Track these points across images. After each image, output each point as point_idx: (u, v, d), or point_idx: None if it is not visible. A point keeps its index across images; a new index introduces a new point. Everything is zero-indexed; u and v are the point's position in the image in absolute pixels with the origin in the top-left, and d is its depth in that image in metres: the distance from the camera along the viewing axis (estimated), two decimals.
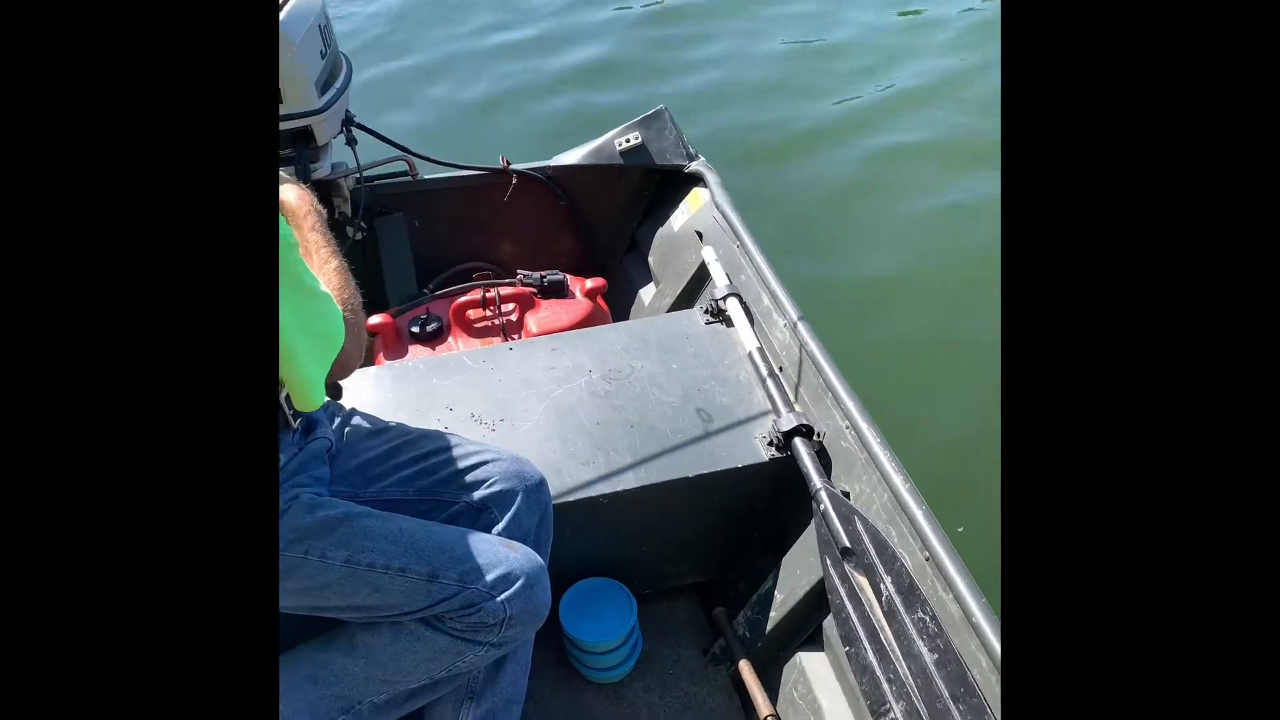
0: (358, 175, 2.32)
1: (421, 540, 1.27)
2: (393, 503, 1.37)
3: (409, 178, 2.49)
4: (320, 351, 1.14)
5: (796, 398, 1.67)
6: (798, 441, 1.56)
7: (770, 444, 1.59)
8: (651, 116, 2.45)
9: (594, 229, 2.61)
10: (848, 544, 1.40)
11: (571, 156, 2.54)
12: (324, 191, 2.31)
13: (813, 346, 1.66)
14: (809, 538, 1.56)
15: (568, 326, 2.13)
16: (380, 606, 1.27)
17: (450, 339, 2.14)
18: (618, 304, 2.45)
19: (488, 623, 1.25)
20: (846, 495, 1.50)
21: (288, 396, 1.21)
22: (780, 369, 1.73)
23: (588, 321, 2.17)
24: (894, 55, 4.52)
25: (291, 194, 1.31)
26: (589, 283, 2.28)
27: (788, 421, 1.58)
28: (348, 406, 1.51)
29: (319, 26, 2.33)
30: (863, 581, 1.38)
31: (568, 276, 2.30)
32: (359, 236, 2.33)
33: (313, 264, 1.25)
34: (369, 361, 2.07)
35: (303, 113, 2.30)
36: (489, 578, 1.25)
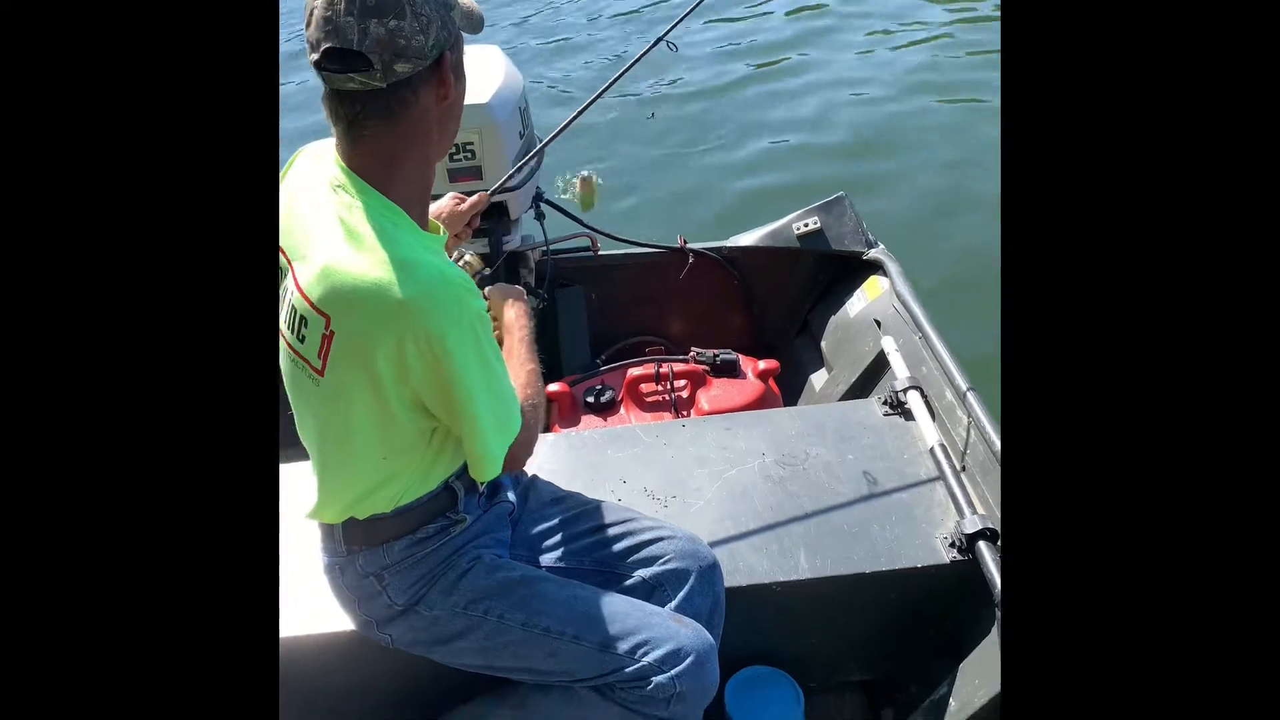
0: (544, 248, 2.42)
1: (597, 609, 1.28)
2: (569, 571, 1.39)
3: (590, 253, 2.58)
4: (502, 431, 1.18)
5: (980, 499, 1.61)
6: (982, 545, 1.49)
7: (952, 545, 1.53)
8: (832, 202, 2.46)
9: (767, 310, 2.62)
10: None
11: (748, 238, 2.57)
12: (512, 262, 2.42)
13: (999, 447, 1.60)
14: (990, 646, 1.49)
15: (739, 407, 2.13)
16: (553, 671, 1.29)
17: (623, 410, 2.17)
18: (788, 387, 2.44)
19: (657, 697, 1.25)
20: None
21: None
22: (963, 468, 1.67)
23: (759, 403, 2.17)
24: None
25: (511, 311, 1.40)
26: (762, 364, 2.28)
27: (972, 524, 1.52)
28: (530, 474, 1.55)
29: (519, 109, 2.47)
30: None
31: (740, 356, 2.31)
32: (541, 306, 2.41)
33: (511, 363, 1.31)
34: (546, 428, 2.13)
35: (501, 188, 2.44)
36: (660, 652, 1.25)
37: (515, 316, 1.40)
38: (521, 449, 1.24)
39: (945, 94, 5.02)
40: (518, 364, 1.32)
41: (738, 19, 6.36)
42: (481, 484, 1.33)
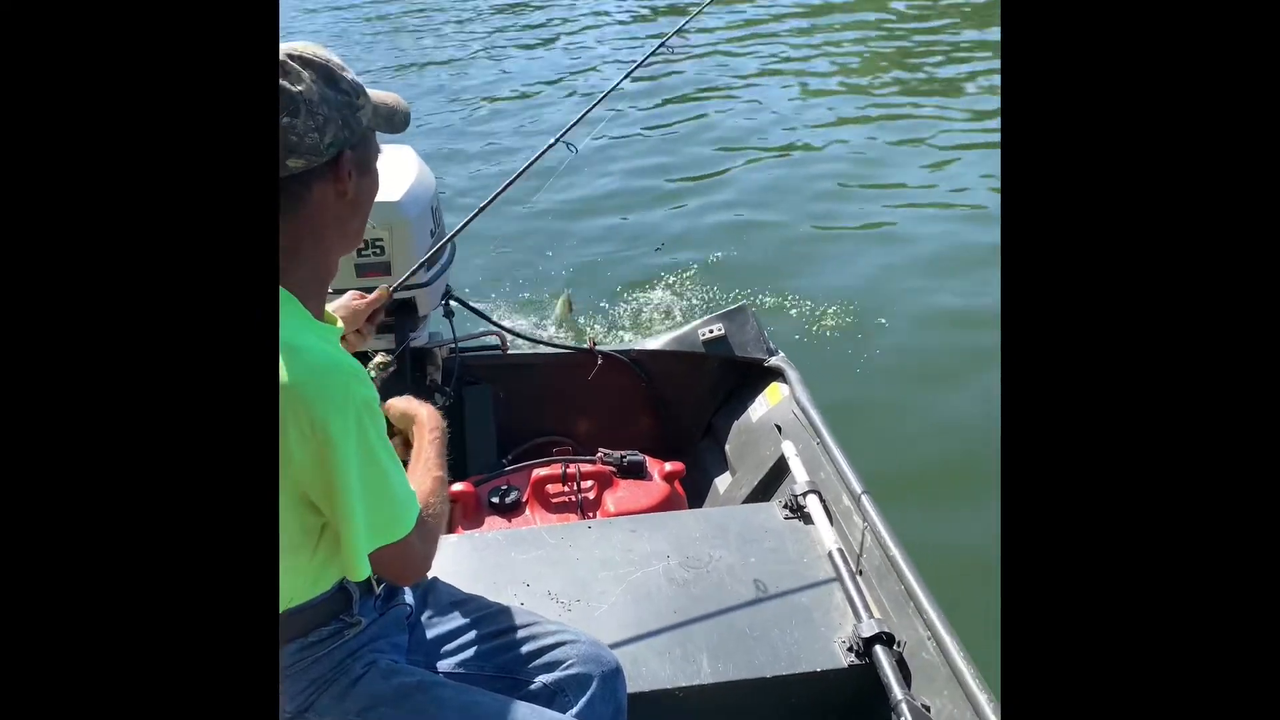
0: (452, 346, 2.43)
1: (495, 716, 1.25)
2: (468, 677, 1.36)
3: (499, 351, 2.59)
4: (376, 530, 1.13)
5: (877, 603, 1.64)
6: (878, 649, 1.52)
7: (850, 649, 1.55)
8: (735, 311, 2.54)
9: (673, 413, 2.66)
10: None
11: (655, 342, 2.63)
12: (419, 359, 2.41)
13: (894, 551, 1.65)
14: None
15: (645, 508, 2.14)
16: None
17: (528, 511, 2.16)
18: (693, 489, 2.46)
19: None
20: (927, 709, 1.45)
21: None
22: (860, 571, 1.71)
23: (665, 505, 2.18)
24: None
25: (424, 410, 1.41)
26: (668, 466, 2.30)
27: (868, 628, 1.55)
28: (430, 575, 1.52)
29: (431, 208, 2.50)
30: None
31: (646, 458, 2.33)
32: (446, 404, 2.40)
33: (416, 467, 1.30)
34: (449, 530, 2.10)
35: (409, 285, 2.45)
36: None
37: (428, 415, 1.39)
38: (419, 560, 1.20)
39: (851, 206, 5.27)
40: (424, 469, 1.31)
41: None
42: (378, 586, 1.30)
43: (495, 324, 2.56)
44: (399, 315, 2.44)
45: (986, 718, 1.34)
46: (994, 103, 6.52)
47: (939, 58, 7.63)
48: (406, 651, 1.36)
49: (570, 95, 7.17)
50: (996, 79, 6.87)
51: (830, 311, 4.13)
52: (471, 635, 1.41)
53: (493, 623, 1.42)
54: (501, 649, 1.39)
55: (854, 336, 3.95)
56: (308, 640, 1.22)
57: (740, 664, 1.54)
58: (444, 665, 1.37)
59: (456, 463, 2.44)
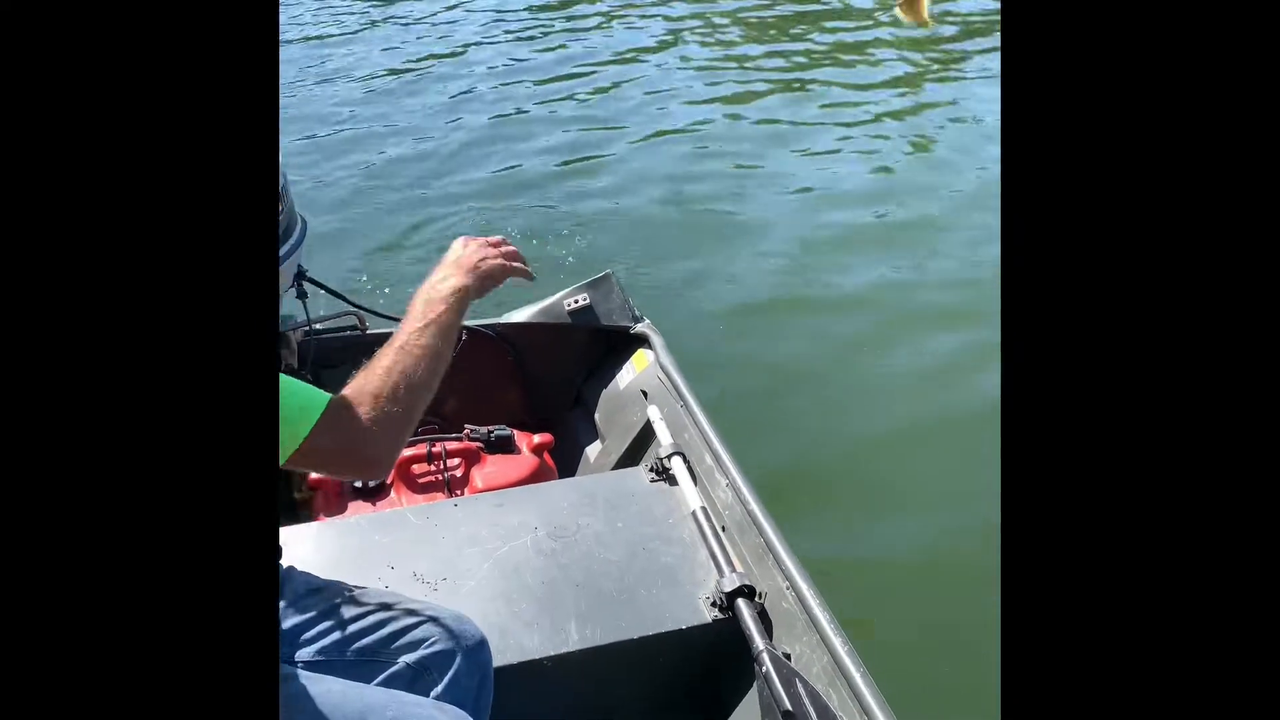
0: (307, 328, 2.35)
1: (351, 704, 1.23)
2: (328, 665, 1.33)
3: (358, 332, 2.52)
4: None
5: (739, 557, 1.68)
6: (740, 602, 1.56)
7: (713, 604, 1.59)
8: (599, 280, 2.54)
9: (541, 385, 2.66)
10: (789, 707, 1.40)
11: (521, 314, 2.61)
12: None
13: (754, 506, 1.69)
14: (751, 701, 1.55)
15: (514, 482, 2.13)
16: None
17: (394, 494, 2.12)
18: (564, 460, 2.47)
19: None
20: (788, 657, 1.50)
21: None
22: (724, 528, 1.75)
23: (534, 477, 2.18)
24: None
25: (451, 282, 1.34)
26: (536, 438, 2.30)
27: (730, 582, 1.59)
28: (285, 565, 1.49)
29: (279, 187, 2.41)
30: None
31: (515, 432, 2.32)
32: None
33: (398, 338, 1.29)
34: (310, 517, 2.05)
35: None
36: None
37: (449, 289, 1.29)
38: (351, 457, 1.15)
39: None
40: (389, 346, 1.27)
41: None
42: None
43: (352, 303, 2.48)
44: None
45: (842, 660, 1.40)
46: (879, 74, 6.65)
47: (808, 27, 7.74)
48: None
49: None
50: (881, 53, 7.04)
51: (694, 279, 4.19)
52: (330, 622, 1.38)
53: (353, 606, 1.40)
54: (362, 632, 1.37)
55: (716, 299, 4.03)
56: None
57: (608, 628, 1.56)
58: (303, 655, 1.34)
59: None
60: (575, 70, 6.86)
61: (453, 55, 7.27)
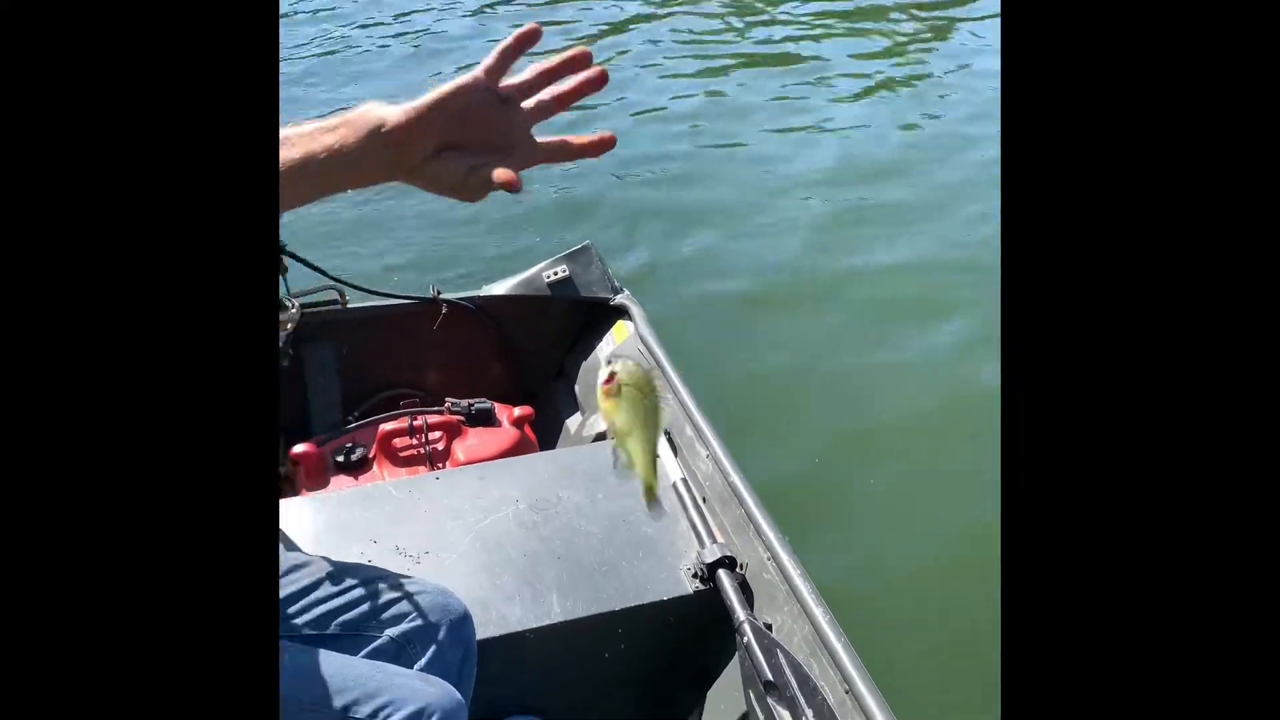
0: (288, 303, 2.34)
1: (335, 675, 1.24)
2: (311, 639, 1.34)
3: (338, 305, 2.51)
4: None
5: (720, 528, 1.70)
6: (721, 573, 1.58)
7: (695, 575, 1.61)
8: (578, 251, 2.53)
9: (522, 358, 2.65)
10: (770, 678, 1.41)
11: (501, 287, 2.60)
12: None
13: (735, 477, 1.71)
14: (733, 672, 1.57)
15: (495, 455, 2.14)
16: None
17: (375, 468, 2.13)
18: (545, 432, 2.47)
19: None
20: (769, 627, 1.52)
21: None
22: (704, 499, 1.76)
23: (515, 450, 2.19)
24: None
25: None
26: (517, 411, 2.30)
27: (711, 553, 1.60)
28: None
29: None
30: (785, 716, 1.39)
31: (496, 405, 2.32)
32: (284, 364, 2.32)
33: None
34: (293, 492, 2.05)
35: None
36: (403, 713, 1.22)
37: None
38: None
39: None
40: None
41: None
42: None
43: (332, 278, 2.47)
44: None
45: (823, 630, 1.41)
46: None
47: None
48: None
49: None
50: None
51: (679, 249, 4.19)
52: (314, 596, 1.39)
53: (336, 581, 1.40)
54: (346, 606, 1.38)
55: (700, 274, 4.03)
56: None
57: (589, 600, 1.57)
58: (286, 629, 1.35)
59: (299, 424, 2.39)
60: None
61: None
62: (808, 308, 3.81)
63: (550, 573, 1.61)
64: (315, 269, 2.43)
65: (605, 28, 7.08)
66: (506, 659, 1.52)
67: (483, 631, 1.48)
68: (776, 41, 6.81)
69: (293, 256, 2.35)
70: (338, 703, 1.21)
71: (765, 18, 7.25)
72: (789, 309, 3.80)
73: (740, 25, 7.14)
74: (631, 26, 7.08)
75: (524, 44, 0.77)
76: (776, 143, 5.33)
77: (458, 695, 1.29)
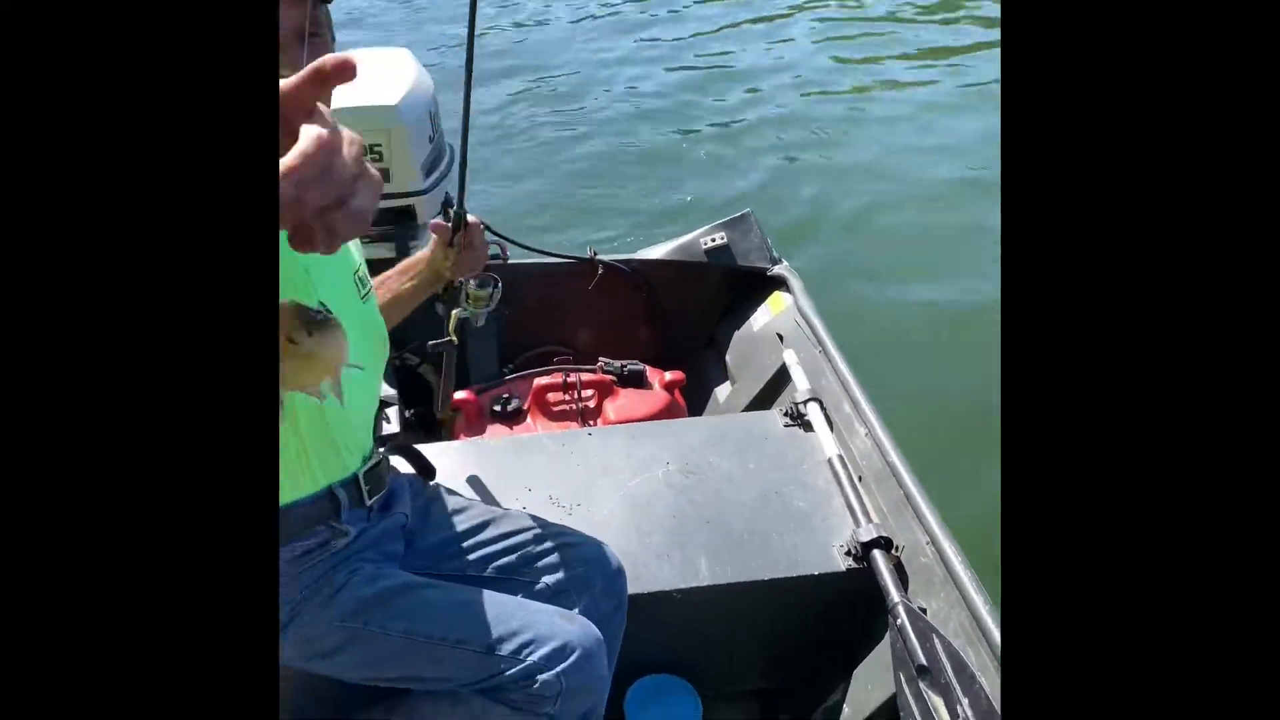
0: None
1: (481, 612, 1.27)
2: (471, 579, 1.38)
3: (499, 260, 2.56)
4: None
5: (876, 508, 1.66)
6: (876, 553, 1.54)
7: (848, 554, 1.58)
8: (738, 219, 2.50)
9: (674, 323, 2.65)
10: (924, 662, 1.38)
11: (657, 251, 2.60)
12: None
13: (894, 457, 1.66)
14: (882, 653, 1.53)
15: (645, 417, 2.15)
16: (439, 677, 1.27)
17: (529, 420, 2.17)
18: (693, 399, 2.47)
19: (544, 694, 1.24)
20: (924, 611, 1.47)
21: (367, 473, 1.27)
22: (860, 478, 1.72)
23: (665, 413, 2.19)
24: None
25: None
26: (668, 375, 2.30)
27: (866, 533, 1.56)
28: (433, 484, 1.53)
29: (429, 113, 2.45)
30: (938, 702, 1.35)
31: (646, 367, 2.33)
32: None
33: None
34: (451, 436, 2.11)
35: (408, 192, 2.41)
36: (545, 649, 1.25)
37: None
38: None
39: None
40: None
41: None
42: (372, 496, 1.30)
43: (496, 233, 2.52)
44: (398, 224, 2.42)
45: (982, 619, 1.36)
46: None
47: None
48: (407, 559, 1.38)
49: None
50: None
51: (834, 221, 4.10)
52: (475, 539, 1.43)
53: (496, 527, 1.44)
54: (505, 551, 1.41)
55: (858, 245, 3.93)
56: (295, 552, 1.22)
57: (738, 567, 1.56)
58: (446, 569, 1.39)
59: (459, 372, 2.46)
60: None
61: None
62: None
63: (700, 536, 1.61)
64: (479, 222, 2.48)
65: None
66: (652, 617, 1.53)
67: (631, 586, 1.49)
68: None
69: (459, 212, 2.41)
70: (480, 639, 1.24)
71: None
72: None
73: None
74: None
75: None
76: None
77: (597, 633, 1.30)
